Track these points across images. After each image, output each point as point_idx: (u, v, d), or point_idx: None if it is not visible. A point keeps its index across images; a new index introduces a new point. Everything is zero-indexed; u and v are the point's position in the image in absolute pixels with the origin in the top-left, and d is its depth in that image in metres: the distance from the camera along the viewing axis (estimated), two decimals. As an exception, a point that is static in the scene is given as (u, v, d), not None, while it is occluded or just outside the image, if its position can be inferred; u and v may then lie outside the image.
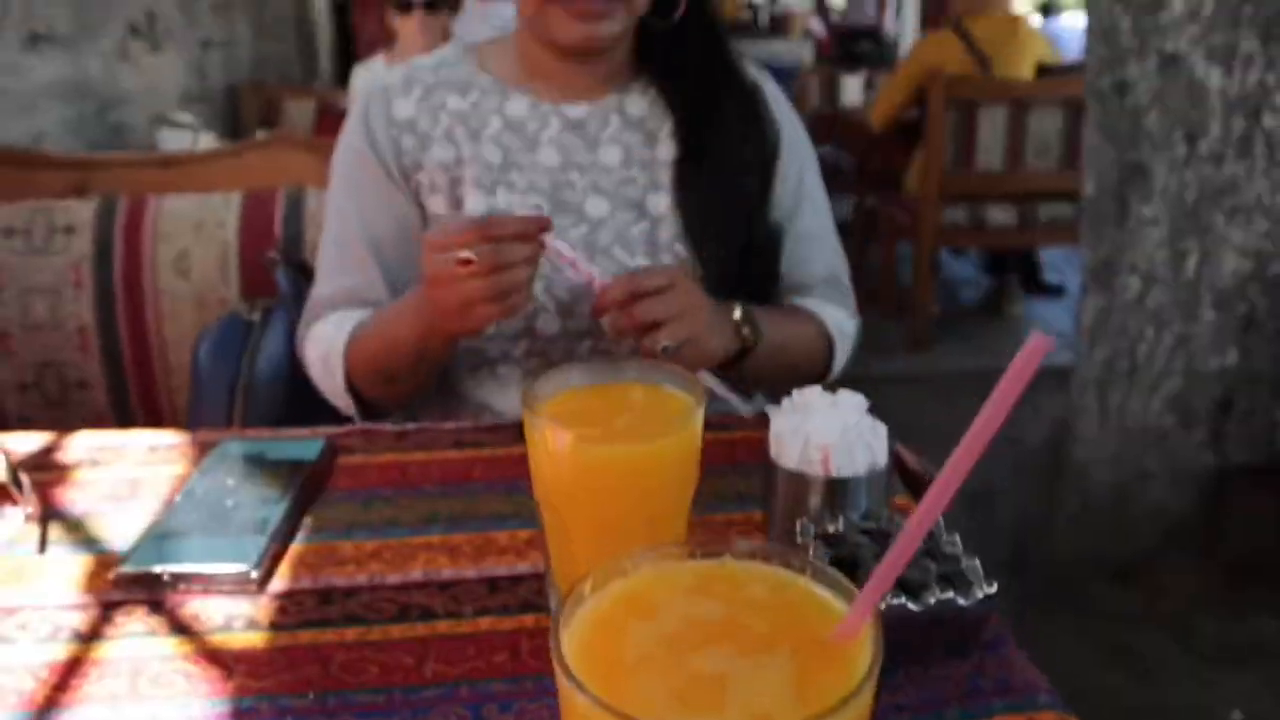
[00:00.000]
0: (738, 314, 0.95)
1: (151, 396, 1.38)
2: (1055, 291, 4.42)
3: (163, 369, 1.37)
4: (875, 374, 3.45)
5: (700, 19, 1.06)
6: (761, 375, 1.02)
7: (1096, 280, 1.94)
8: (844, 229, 4.30)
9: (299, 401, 1.13)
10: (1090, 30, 1.89)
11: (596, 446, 0.54)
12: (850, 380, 1.11)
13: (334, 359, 1.00)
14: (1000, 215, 3.61)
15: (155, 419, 1.40)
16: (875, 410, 0.67)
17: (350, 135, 1.07)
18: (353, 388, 1.01)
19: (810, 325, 1.08)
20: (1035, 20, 8.64)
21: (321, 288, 1.07)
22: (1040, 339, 0.33)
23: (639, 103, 1.07)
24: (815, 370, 1.10)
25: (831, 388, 0.70)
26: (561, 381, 0.62)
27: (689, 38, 1.06)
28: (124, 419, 1.39)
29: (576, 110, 1.05)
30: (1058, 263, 4.71)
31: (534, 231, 0.83)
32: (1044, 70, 3.69)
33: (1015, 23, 3.68)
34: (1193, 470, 1.88)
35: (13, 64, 2.37)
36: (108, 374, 1.36)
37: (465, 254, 0.80)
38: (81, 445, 0.89)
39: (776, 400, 1.18)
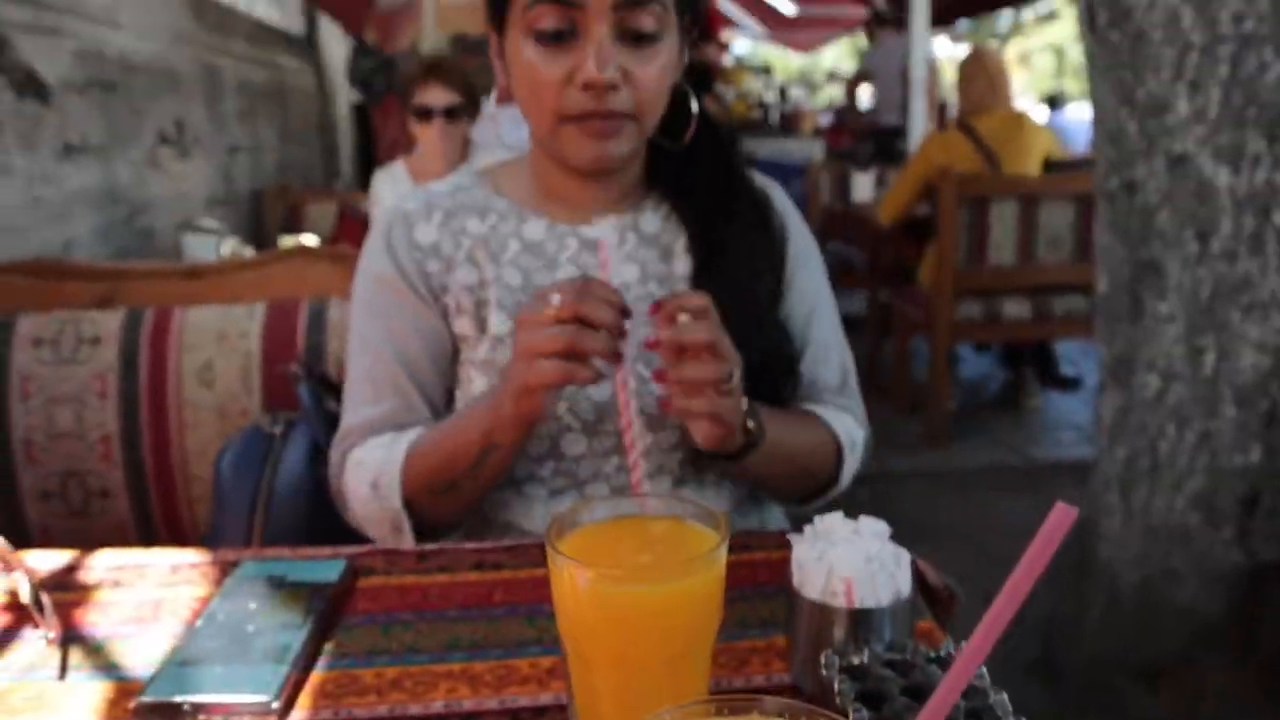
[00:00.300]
0: (744, 404, 0.94)
1: (172, 506, 1.39)
2: (1072, 384, 4.40)
3: (184, 479, 1.38)
4: (892, 470, 3.43)
5: (709, 138, 1.09)
6: (768, 477, 1.02)
7: (1114, 377, 1.93)
8: (858, 324, 4.33)
9: (319, 516, 1.13)
10: (1097, 132, 1.92)
11: (618, 586, 0.54)
12: (868, 478, 1.11)
13: (388, 479, 0.99)
14: (1014, 309, 3.62)
15: (176, 528, 1.40)
16: (893, 507, 0.67)
17: (373, 262, 1.08)
18: (407, 506, 1.00)
19: (820, 431, 1.08)
20: (1042, 113, 8.80)
21: (355, 417, 1.06)
22: (1064, 511, 0.34)
23: (653, 220, 1.09)
24: (823, 478, 1.09)
25: (853, 514, 0.70)
26: (584, 516, 0.62)
27: (698, 156, 1.08)
28: (145, 528, 1.39)
29: (593, 231, 1.07)
30: (1074, 355, 4.71)
31: (620, 303, 0.85)
32: (1052, 165, 3.75)
33: (1019, 119, 3.75)
34: (1220, 569, 1.84)
35: (48, 174, 2.44)
36: (130, 483, 1.37)
37: (555, 299, 0.83)
38: (103, 564, 0.89)
39: (790, 513, 1.17)
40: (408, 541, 1.01)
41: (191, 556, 0.91)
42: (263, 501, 1.17)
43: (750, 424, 0.94)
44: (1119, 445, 1.93)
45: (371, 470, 1.01)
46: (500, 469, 0.98)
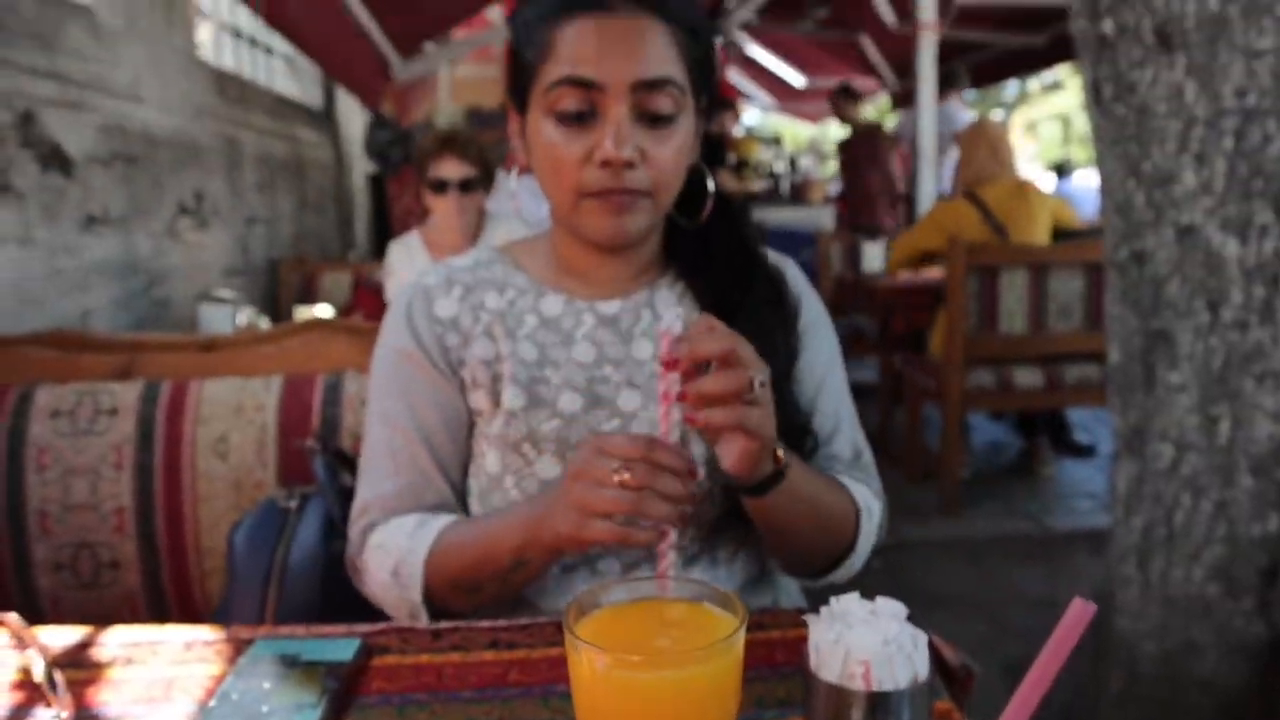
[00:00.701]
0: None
1: (184, 579, 1.39)
2: (1087, 451, 4.37)
3: (196, 552, 1.38)
4: (906, 539, 3.40)
5: (724, 216, 1.11)
6: (789, 529, 1.00)
7: (1128, 447, 1.92)
8: (870, 392, 4.31)
9: (333, 591, 1.13)
10: (1105, 203, 1.94)
11: (636, 672, 0.54)
12: (882, 548, 1.10)
13: (409, 570, 0.99)
14: (1027, 377, 3.62)
15: (187, 601, 1.40)
16: (907, 577, 0.67)
17: (393, 336, 1.10)
18: (427, 599, 1.00)
19: (840, 491, 1.07)
20: (1049, 181, 8.88)
21: (372, 492, 1.07)
22: (1081, 607, 0.34)
23: (668, 297, 1.11)
24: (842, 542, 1.07)
25: (866, 582, 0.69)
26: (602, 598, 0.63)
27: (714, 234, 1.11)
28: (155, 601, 1.39)
29: (609, 306, 1.09)
30: (1087, 422, 4.68)
31: (691, 473, 0.84)
32: (1062, 233, 3.77)
33: (1024, 187, 3.78)
34: (1241, 640, 1.82)
35: (69, 245, 2.48)
36: (142, 556, 1.37)
37: (617, 468, 0.82)
38: (116, 641, 0.89)
39: (804, 591, 1.16)
40: (424, 624, 0.99)
41: (205, 634, 0.90)
42: (276, 576, 1.17)
43: (779, 451, 0.92)
44: (1135, 515, 1.92)
45: (393, 557, 1.01)
46: (529, 579, 0.98)
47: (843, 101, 6.66)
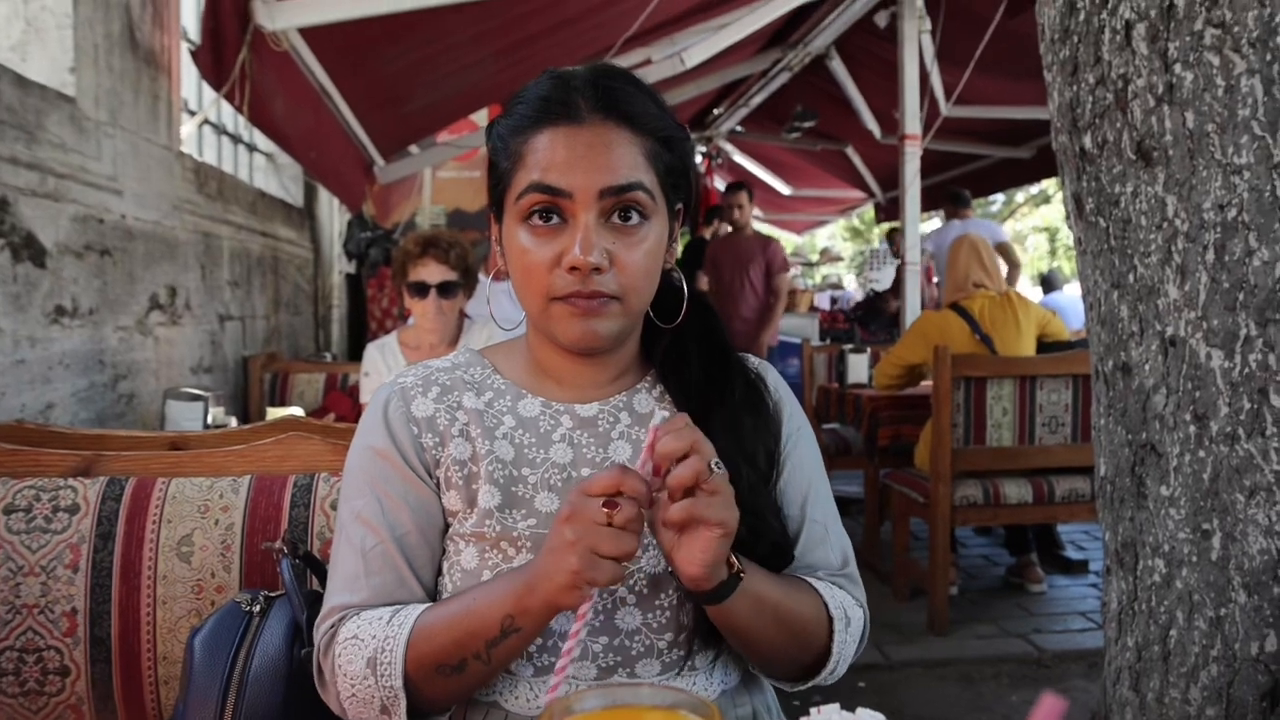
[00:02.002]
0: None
1: (137, 687, 1.31)
2: (1078, 568, 4.32)
3: (151, 658, 1.31)
4: (893, 659, 3.32)
5: (701, 319, 1.13)
6: (754, 636, 1.00)
7: (1119, 562, 1.89)
8: (856, 505, 4.30)
9: (296, 701, 1.07)
10: (1089, 316, 1.94)
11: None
12: (868, 667, 1.06)
13: (389, 656, 0.96)
14: (1016, 491, 3.60)
15: (137, 711, 1.32)
16: (895, 699, 0.64)
17: (368, 435, 1.08)
18: (407, 685, 0.97)
19: (810, 597, 1.06)
20: (1036, 292, 9.03)
21: (343, 592, 1.04)
22: (1052, 701, 0.31)
23: (646, 400, 1.11)
24: (815, 649, 1.05)
25: (852, 705, 0.67)
26: (575, 705, 0.60)
27: (690, 337, 1.12)
28: (103, 710, 1.32)
29: (587, 409, 1.09)
30: (1078, 537, 4.65)
31: (646, 496, 0.87)
32: (1050, 345, 3.79)
33: (1010, 299, 3.82)
34: (1243, 767, 1.75)
35: (34, 336, 2.43)
36: (92, 661, 1.30)
37: (605, 504, 0.85)
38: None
39: (785, 703, 1.13)
40: (398, 718, 0.97)
41: None
42: (236, 685, 1.10)
43: (733, 560, 0.94)
44: (1128, 634, 1.87)
45: (370, 647, 0.97)
46: (514, 653, 0.96)
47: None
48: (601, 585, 0.86)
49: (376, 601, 1.03)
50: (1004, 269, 5.49)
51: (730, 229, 6.90)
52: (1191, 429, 1.75)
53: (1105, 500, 1.93)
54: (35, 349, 2.43)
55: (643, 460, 0.87)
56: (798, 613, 1.03)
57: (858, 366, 4.69)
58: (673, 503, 0.87)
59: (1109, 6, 1.74)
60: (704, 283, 6.61)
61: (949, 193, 6.92)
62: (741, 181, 7.62)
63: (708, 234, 7.43)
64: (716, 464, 0.87)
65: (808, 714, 0.64)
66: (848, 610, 1.08)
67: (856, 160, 8.98)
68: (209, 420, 2.91)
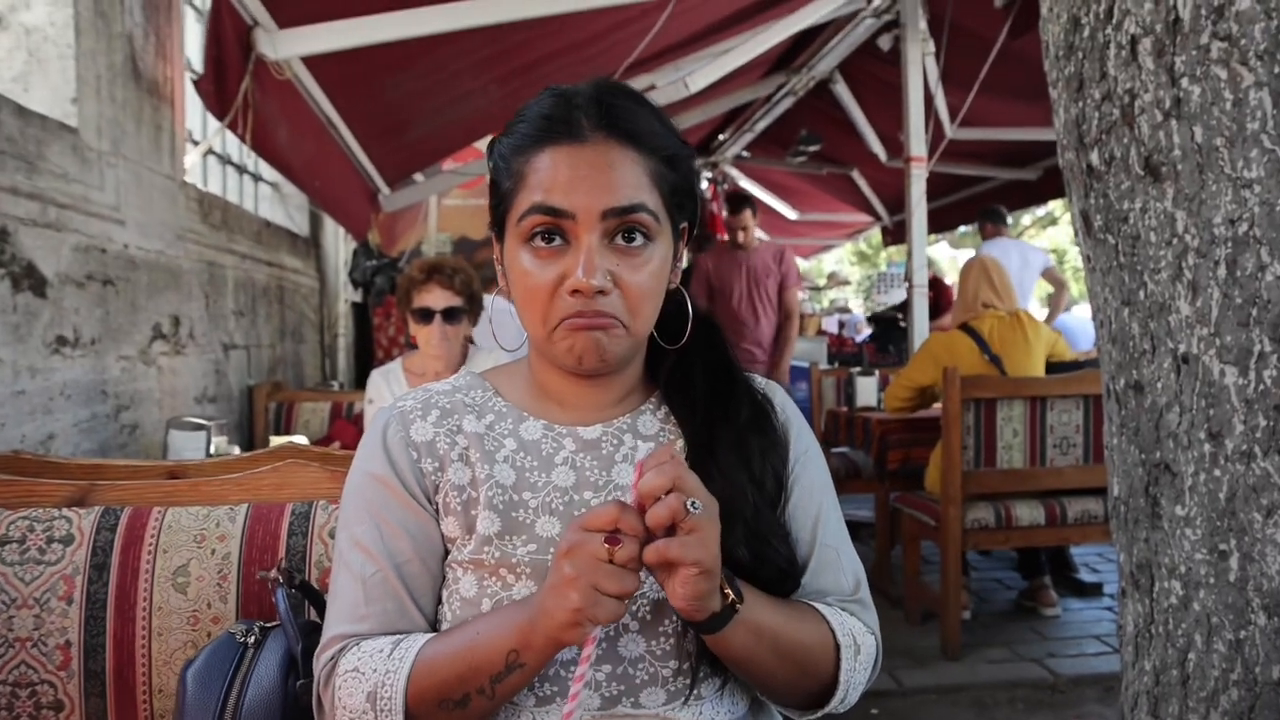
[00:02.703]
0: (724, 572, 0.93)
1: (132, 720, 1.28)
2: (1092, 590, 4.26)
3: (146, 691, 1.28)
4: (907, 686, 3.27)
5: (707, 340, 1.11)
6: (755, 666, 0.97)
7: (1135, 584, 1.85)
8: (866, 529, 4.27)
9: (290, 735, 1.04)
10: (1100, 334, 1.92)
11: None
12: (881, 693, 1.04)
13: (390, 691, 0.94)
14: (1027, 513, 3.55)
15: (134, 747, 1.29)
16: None
17: (367, 460, 1.06)
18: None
19: (816, 624, 1.03)
20: (1042, 316, 9.01)
21: (342, 621, 1.02)
22: None
23: (651, 421, 1.09)
24: (821, 677, 1.03)
25: (869, 716, 0.64)
26: None
27: (695, 357, 1.10)
28: (100, 746, 1.28)
29: (590, 431, 1.07)
30: (1092, 560, 4.59)
31: (644, 534, 0.86)
32: (1055, 365, 3.76)
33: (1019, 319, 3.79)
34: (1266, 794, 1.71)
35: (35, 367, 2.42)
36: (86, 695, 1.27)
37: (606, 540, 0.84)
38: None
39: (790, 718, 1.10)
40: None
41: None
42: (230, 718, 1.07)
43: (728, 590, 0.92)
44: (1145, 657, 1.83)
45: (370, 681, 0.95)
46: (518, 688, 0.94)
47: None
48: (603, 623, 0.85)
49: (377, 631, 1.01)
50: (1022, 289, 5.46)
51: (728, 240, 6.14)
52: (1206, 447, 1.72)
53: (1119, 521, 1.90)
54: (36, 379, 2.42)
55: (634, 498, 0.86)
56: (800, 641, 1.00)
57: (866, 390, 4.66)
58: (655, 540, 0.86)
59: (1114, 21, 1.72)
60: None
61: (985, 210, 6.83)
62: (745, 196, 6.85)
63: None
64: (693, 504, 0.85)
65: None
66: (857, 637, 1.05)
67: (862, 184, 8.97)
68: (212, 450, 2.90)
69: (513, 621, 0.92)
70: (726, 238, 6.11)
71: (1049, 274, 6.60)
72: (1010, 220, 7.18)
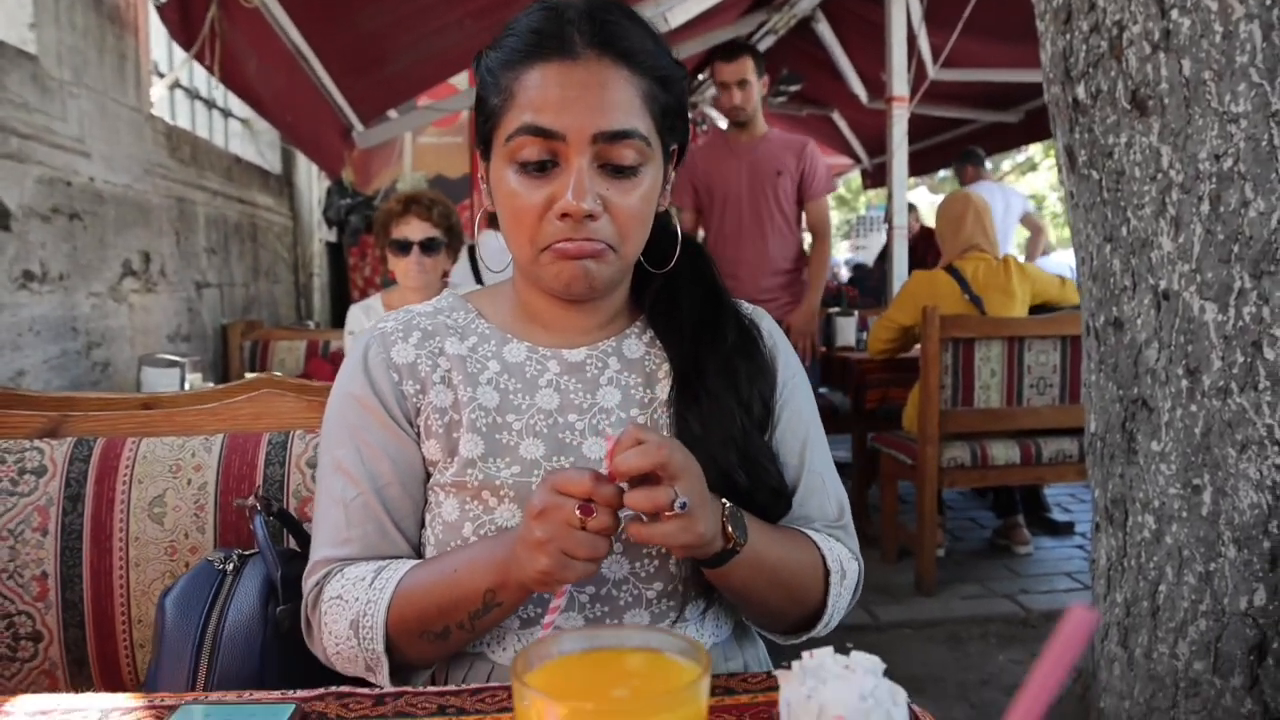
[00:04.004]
0: (725, 509, 0.92)
1: (111, 651, 1.28)
2: (1064, 529, 4.33)
3: (125, 621, 1.27)
4: (882, 621, 3.33)
5: (693, 264, 1.10)
6: (749, 592, 0.98)
7: (1109, 519, 1.87)
8: (844, 469, 4.29)
9: (272, 658, 1.04)
10: (1081, 271, 1.91)
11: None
12: (856, 628, 1.05)
13: (371, 620, 0.94)
14: (1003, 452, 3.59)
15: (113, 676, 1.29)
16: (883, 659, 0.63)
17: (348, 383, 1.05)
18: (390, 649, 0.95)
19: (809, 551, 1.04)
20: (1022, 259, 9.04)
21: (326, 548, 1.01)
22: (1082, 613, 0.28)
23: (636, 345, 1.08)
24: (810, 603, 1.04)
25: (844, 649, 0.64)
26: (554, 648, 0.58)
27: (683, 282, 1.09)
28: (78, 674, 1.28)
29: (575, 354, 1.06)
30: (1064, 499, 4.66)
31: (620, 503, 0.84)
32: (1041, 307, 3.77)
33: (1007, 263, 3.79)
34: (1231, 721, 1.74)
35: (2, 303, 2.37)
36: (65, 626, 1.26)
37: (575, 488, 0.83)
38: (25, 710, 0.80)
39: (776, 652, 1.11)
40: (381, 679, 0.95)
41: (125, 700, 0.82)
42: (209, 644, 1.07)
43: (730, 529, 0.91)
44: (1116, 589, 1.86)
45: (353, 609, 0.95)
46: (497, 622, 0.94)
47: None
48: (573, 582, 0.85)
49: (360, 555, 1.01)
50: (1021, 234, 5.40)
51: (723, 124, 4.29)
52: (1184, 383, 1.73)
53: (1095, 456, 1.91)
54: (3, 315, 2.38)
55: (608, 470, 0.84)
56: (796, 571, 1.01)
57: (845, 330, 4.67)
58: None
59: (1104, -50, 1.69)
60: (686, 222, 4.01)
61: (965, 153, 6.78)
62: (746, 44, 4.62)
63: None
64: (681, 504, 0.83)
65: (799, 658, 0.61)
66: (844, 563, 1.06)
67: (843, 125, 8.91)
68: (186, 387, 2.87)
69: (490, 560, 0.91)
70: (725, 124, 4.34)
71: (1027, 219, 6.61)
72: (990, 165, 7.14)
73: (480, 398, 1.02)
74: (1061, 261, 7.94)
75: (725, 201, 4.00)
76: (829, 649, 0.62)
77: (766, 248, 3.98)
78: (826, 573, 1.03)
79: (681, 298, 1.08)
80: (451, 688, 0.85)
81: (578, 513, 0.81)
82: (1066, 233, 1.97)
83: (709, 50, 7.08)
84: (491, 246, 2.85)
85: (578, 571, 0.83)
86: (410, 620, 0.94)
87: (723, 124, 4.01)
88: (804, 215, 4.07)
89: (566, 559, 0.82)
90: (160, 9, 3.08)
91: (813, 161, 3.99)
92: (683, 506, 0.83)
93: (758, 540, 0.95)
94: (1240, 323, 1.68)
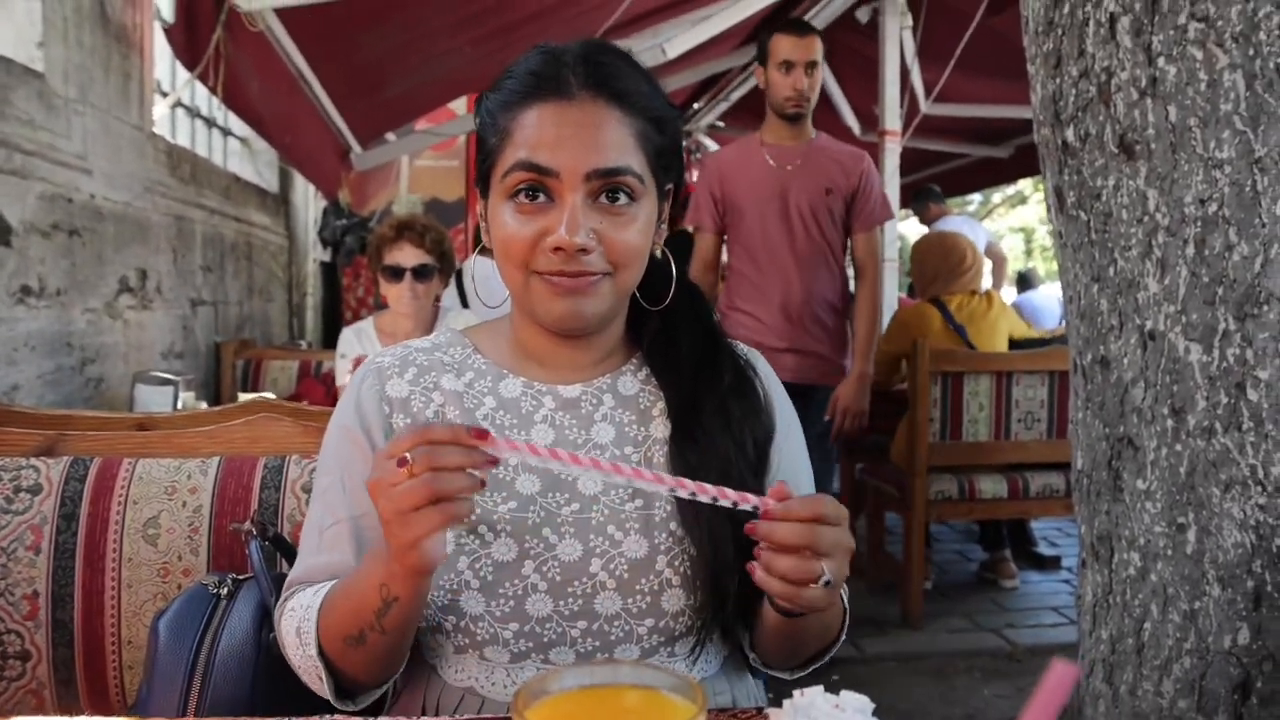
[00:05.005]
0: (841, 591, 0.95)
1: (100, 672, 1.28)
2: (1051, 563, 4.34)
3: (115, 642, 1.28)
4: (868, 654, 3.32)
5: (689, 304, 1.12)
6: (797, 635, 1.00)
7: (1095, 555, 1.89)
8: (832, 499, 4.19)
9: (264, 685, 1.05)
10: (1069, 309, 1.94)
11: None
12: (842, 661, 1.06)
13: (308, 625, 0.96)
14: (991, 486, 3.61)
15: (101, 698, 1.29)
16: (868, 692, 0.64)
17: (341, 414, 1.07)
18: (324, 656, 0.96)
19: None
20: (1010, 294, 9.11)
21: (300, 568, 1.04)
22: (1063, 669, 0.30)
23: (631, 382, 1.10)
24: (830, 637, 1.05)
25: (832, 686, 0.66)
26: (552, 684, 0.59)
27: (678, 321, 1.10)
28: (65, 694, 1.28)
29: (570, 390, 1.07)
30: (1051, 534, 4.67)
31: (468, 439, 0.82)
32: (1017, 343, 3.82)
33: (989, 297, 3.83)
34: (1214, 760, 1.75)
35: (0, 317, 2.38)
36: (54, 646, 1.27)
37: (405, 455, 0.80)
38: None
39: (778, 677, 1.12)
40: (328, 694, 0.95)
41: None
42: (202, 668, 1.07)
43: (842, 600, 0.95)
44: (1102, 626, 1.87)
45: (296, 618, 0.98)
46: (404, 622, 0.92)
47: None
48: (439, 529, 0.82)
49: (326, 576, 1.01)
50: (988, 266, 5.48)
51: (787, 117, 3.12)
52: (1169, 422, 1.75)
53: (1082, 493, 1.93)
54: (0, 329, 2.38)
55: (765, 509, 0.83)
56: (828, 619, 1.02)
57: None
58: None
59: (1094, -2, 1.73)
60: (704, 247, 3.24)
61: (921, 192, 6.90)
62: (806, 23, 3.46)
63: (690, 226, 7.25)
64: (826, 582, 0.83)
65: (790, 697, 0.63)
66: (846, 603, 1.07)
67: (835, 157, 8.94)
68: (179, 405, 2.87)
69: (376, 556, 0.92)
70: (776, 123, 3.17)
71: (990, 249, 6.68)
72: (980, 197, 7.21)
73: None
74: (1050, 294, 7.99)
75: (757, 221, 3.11)
76: (819, 687, 0.63)
77: (806, 283, 3.11)
78: (844, 610, 1.04)
79: (681, 336, 1.10)
80: (444, 719, 0.87)
81: (398, 468, 0.81)
82: (1055, 265, 1.99)
83: (704, 81, 7.14)
84: (484, 273, 2.85)
85: (424, 521, 0.81)
86: (333, 627, 0.95)
87: (747, 148, 3.27)
88: (849, 246, 3.25)
89: (406, 516, 0.81)
90: (166, 30, 3.10)
91: (869, 181, 3.18)
92: (827, 584, 0.83)
93: None
94: (1224, 364, 1.71)
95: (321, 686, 0.97)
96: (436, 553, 0.84)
